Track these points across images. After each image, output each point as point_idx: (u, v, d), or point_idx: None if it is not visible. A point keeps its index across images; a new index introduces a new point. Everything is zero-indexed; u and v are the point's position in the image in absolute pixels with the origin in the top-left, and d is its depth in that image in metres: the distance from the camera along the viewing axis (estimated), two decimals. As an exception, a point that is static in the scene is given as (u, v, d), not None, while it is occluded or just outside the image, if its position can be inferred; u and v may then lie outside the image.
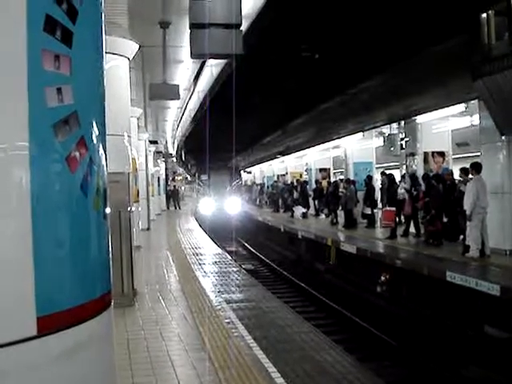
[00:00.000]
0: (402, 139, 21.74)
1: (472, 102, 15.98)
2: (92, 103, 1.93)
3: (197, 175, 47.83)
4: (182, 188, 62.56)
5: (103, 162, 1.97)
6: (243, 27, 7.84)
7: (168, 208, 42.35)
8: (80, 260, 1.81)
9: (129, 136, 10.52)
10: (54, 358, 1.71)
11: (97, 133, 1.92)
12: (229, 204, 38.14)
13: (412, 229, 18.25)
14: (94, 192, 1.87)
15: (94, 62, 1.98)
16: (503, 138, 13.61)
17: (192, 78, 14.17)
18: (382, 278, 15.55)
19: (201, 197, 43.64)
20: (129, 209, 9.54)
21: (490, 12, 12.48)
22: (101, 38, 2.05)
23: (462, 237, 14.77)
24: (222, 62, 12.87)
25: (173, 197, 45.76)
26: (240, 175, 46.21)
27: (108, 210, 2.01)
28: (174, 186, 53.99)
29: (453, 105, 17.42)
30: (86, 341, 1.81)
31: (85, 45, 1.88)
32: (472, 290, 11.20)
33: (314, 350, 6.63)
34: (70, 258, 1.78)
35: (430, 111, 18.44)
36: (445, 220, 15.85)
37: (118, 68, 10.32)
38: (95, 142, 1.90)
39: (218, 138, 30.16)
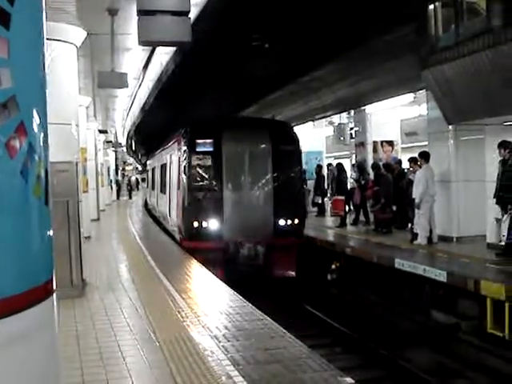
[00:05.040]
0: (351, 128, 21.97)
1: (420, 91, 16.24)
2: (32, 88, 1.89)
3: (180, 147, 15.88)
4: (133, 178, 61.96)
5: (44, 148, 1.93)
6: (192, 15, 7.78)
7: (118, 198, 41.93)
8: (20, 247, 1.78)
9: (77, 125, 10.35)
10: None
11: (37, 118, 1.88)
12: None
13: (362, 217, 18.51)
14: (35, 178, 1.84)
15: (33, 46, 1.94)
16: (450, 127, 13.87)
17: (141, 66, 14.01)
18: (333, 266, 15.72)
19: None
20: (77, 198, 9.41)
21: (437, 4, 12.66)
22: (41, 21, 2.01)
23: (410, 225, 15.04)
24: (171, 49, 12.77)
25: (129, 187, 46.33)
26: (297, 141, 15.90)
27: (50, 197, 1.97)
28: (130, 177, 54.43)
29: (402, 94, 17.68)
30: (27, 329, 1.78)
31: (24, 28, 1.84)
32: (420, 277, 11.42)
33: (265, 337, 6.66)
34: (9, 244, 1.74)
35: (380, 100, 18.67)
36: (394, 208, 16.13)
37: (66, 55, 10.13)
38: (35, 127, 1.87)
39: (167, 128, 29.98)
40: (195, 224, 14.41)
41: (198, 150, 14.85)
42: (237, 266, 14.03)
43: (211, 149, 14.84)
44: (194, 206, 14.69)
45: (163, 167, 20.70)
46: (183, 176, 15.00)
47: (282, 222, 14.66)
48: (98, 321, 7.70)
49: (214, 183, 14.74)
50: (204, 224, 14.37)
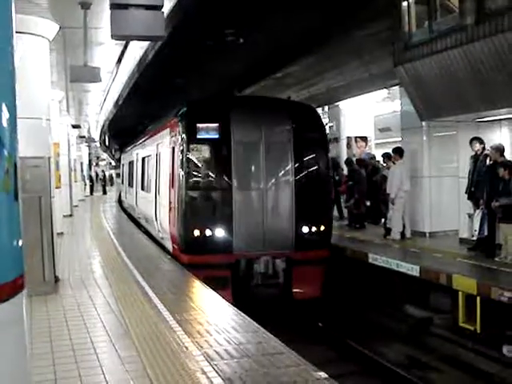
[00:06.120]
0: (325, 124, 21.99)
1: (394, 87, 16.34)
2: (1, 82, 1.86)
3: (175, 134, 12.52)
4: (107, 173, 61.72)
5: (14, 143, 1.90)
6: (165, 9, 7.73)
7: (92, 194, 41.61)
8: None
9: (48, 119, 10.23)
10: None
11: (6, 112, 1.85)
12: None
13: (336, 212, 18.58)
14: (3, 173, 1.81)
15: (2, 39, 1.90)
16: (423, 123, 13.98)
17: (115, 60, 13.89)
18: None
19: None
20: (50, 194, 9.31)
21: (410, 0, 12.73)
22: (10, 15, 1.97)
23: (383, 220, 15.15)
24: (145, 43, 12.67)
25: (103, 182, 46.49)
26: (323, 127, 13.64)
27: (20, 192, 1.94)
28: (104, 172, 54.45)
29: (376, 90, 17.77)
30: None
31: (-8, 20, 1.81)
32: (393, 272, 11.50)
33: (239, 332, 6.66)
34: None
35: (354, 96, 18.75)
36: (368, 204, 16.24)
37: (37, 49, 10.00)
38: (4, 121, 1.84)
39: (139, 123, 29.84)
40: (196, 233, 11.47)
41: (199, 137, 11.69)
42: (250, 285, 11.58)
43: (216, 136, 11.72)
44: (195, 209, 11.74)
45: (146, 160, 17.51)
46: (179, 171, 11.81)
47: (305, 230, 11.89)
48: (71, 317, 7.64)
49: (221, 180, 11.77)
50: (208, 233, 11.47)
